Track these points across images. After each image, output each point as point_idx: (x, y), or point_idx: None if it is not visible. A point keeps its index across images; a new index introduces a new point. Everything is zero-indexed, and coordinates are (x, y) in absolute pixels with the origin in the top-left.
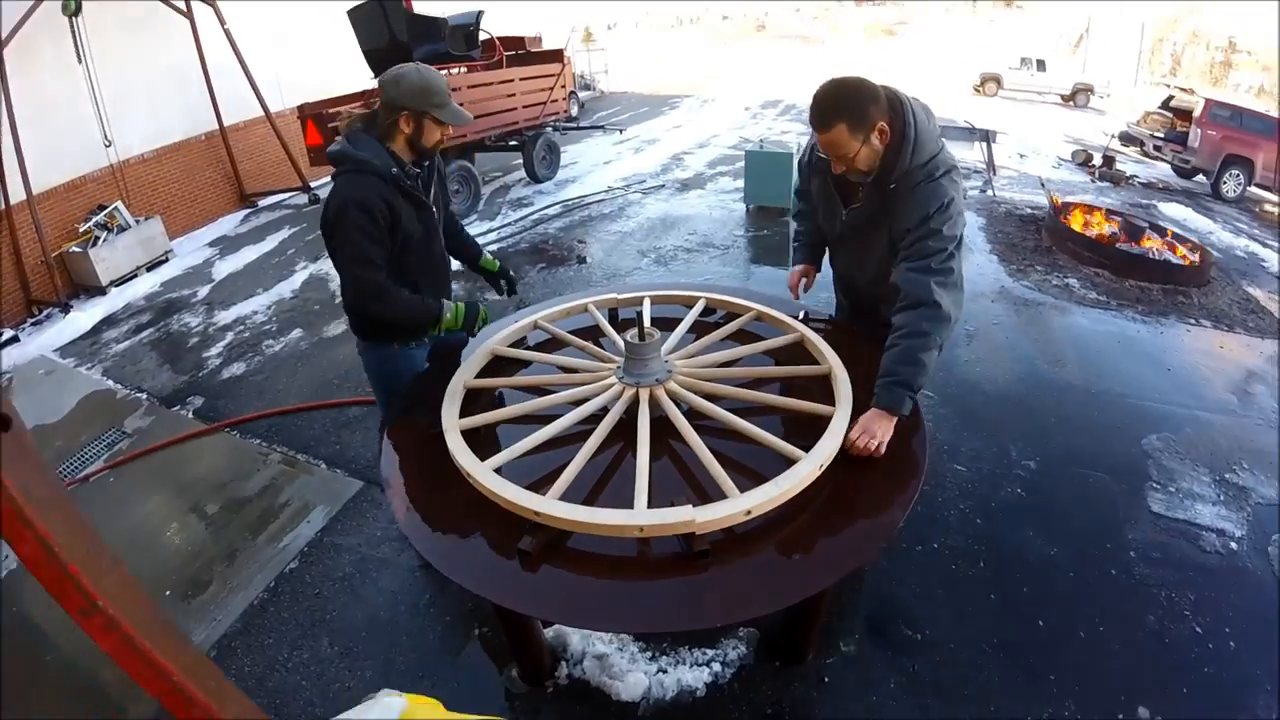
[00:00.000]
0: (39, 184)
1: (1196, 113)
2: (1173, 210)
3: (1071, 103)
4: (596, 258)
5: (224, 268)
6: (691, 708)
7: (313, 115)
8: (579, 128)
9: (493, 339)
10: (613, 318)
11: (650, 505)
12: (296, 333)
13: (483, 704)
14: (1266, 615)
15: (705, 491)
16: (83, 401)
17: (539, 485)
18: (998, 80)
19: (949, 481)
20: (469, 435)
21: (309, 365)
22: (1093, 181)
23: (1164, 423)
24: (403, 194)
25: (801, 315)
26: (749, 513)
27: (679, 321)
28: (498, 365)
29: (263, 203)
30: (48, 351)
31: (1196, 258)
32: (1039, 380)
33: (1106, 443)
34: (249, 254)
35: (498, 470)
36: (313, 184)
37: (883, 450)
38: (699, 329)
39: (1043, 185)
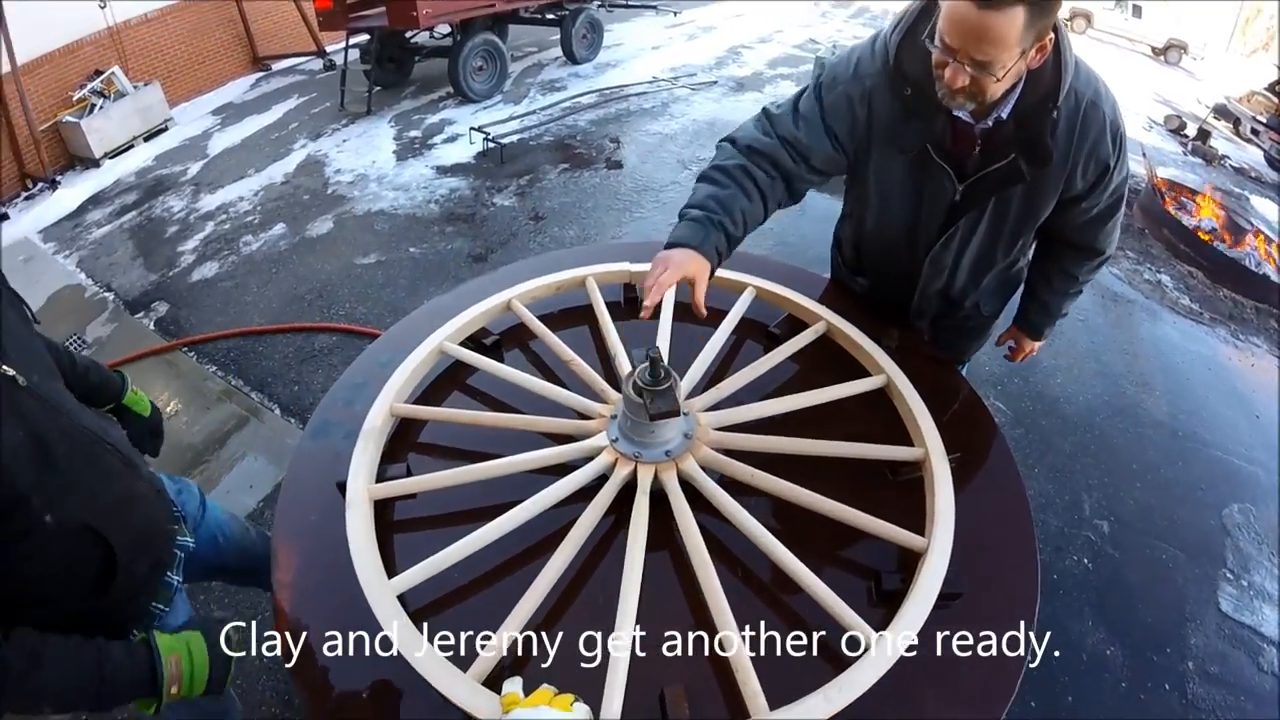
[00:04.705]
0: (34, 49)
1: None
2: (1266, 208)
3: (1163, 57)
4: (630, 163)
5: (221, 141)
6: None
7: None
8: (628, 5)
9: (445, 327)
10: (629, 294)
11: (628, 696)
12: (278, 228)
13: None
14: None
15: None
16: (51, 299)
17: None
18: (1088, 18)
19: None
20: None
21: (284, 271)
22: (1184, 154)
23: (1246, 489)
24: None
25: (894, 339)
26: None
27: (722, 314)
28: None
29: (277, 66)
30: (32, 233)
31: None
32: (1123, 407)
33: (1186, 508)
34: (250, 125)
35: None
36: (329, 48)
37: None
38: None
39: (1143, 154)
